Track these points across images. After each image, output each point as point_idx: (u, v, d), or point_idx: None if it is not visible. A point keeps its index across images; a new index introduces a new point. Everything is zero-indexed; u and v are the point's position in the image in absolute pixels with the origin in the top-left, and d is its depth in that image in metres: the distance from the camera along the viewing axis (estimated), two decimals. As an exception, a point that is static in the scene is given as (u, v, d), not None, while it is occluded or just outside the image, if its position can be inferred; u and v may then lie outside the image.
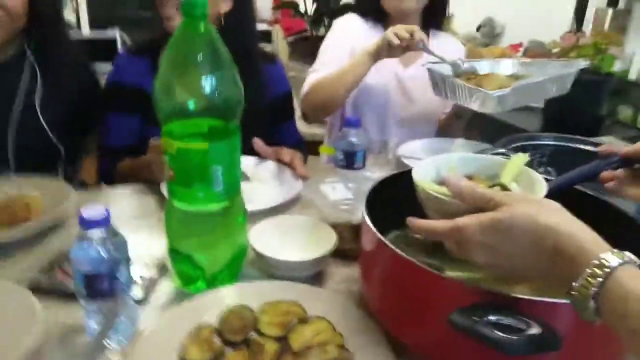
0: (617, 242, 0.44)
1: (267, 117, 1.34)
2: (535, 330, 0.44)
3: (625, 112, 2.11)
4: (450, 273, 0.63)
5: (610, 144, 0.67)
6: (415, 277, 0.55)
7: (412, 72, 1.46)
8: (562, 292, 0.43)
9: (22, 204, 0.88)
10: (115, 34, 2.86)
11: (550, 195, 0.56)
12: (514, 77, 1.20)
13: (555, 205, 0.48)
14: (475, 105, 1.09)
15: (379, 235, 0.60)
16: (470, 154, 0.73)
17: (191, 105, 0.66)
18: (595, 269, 0.41)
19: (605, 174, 0.64)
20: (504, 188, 0.60)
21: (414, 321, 0.57)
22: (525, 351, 0.43)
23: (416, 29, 1.20)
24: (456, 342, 0.52)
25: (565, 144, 1.08)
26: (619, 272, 0.40)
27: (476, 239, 0.47)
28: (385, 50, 1.22)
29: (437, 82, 1.22)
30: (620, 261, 0.40)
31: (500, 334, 0.44)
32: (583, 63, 1.23)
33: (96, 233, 0.59)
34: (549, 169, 1.06)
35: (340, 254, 0.82)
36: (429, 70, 1.24)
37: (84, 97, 1.23)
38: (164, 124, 0.69)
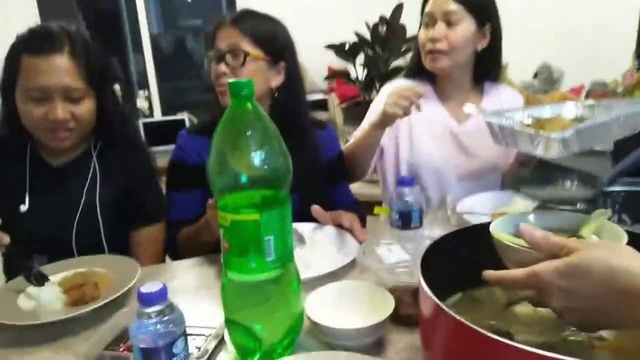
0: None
1: (322, 181, 1.36)
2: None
3: None
4: (519, 337, 0.59)
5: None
6: (480, 344, 0.51)
7: (467, 128, 1.44)
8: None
9: (92, 283, 0.93)
10: (184, 116, 3.12)
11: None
12: (578, 120, 1.15)
13: (628, 249, 0.50)
14: (538, 151, 1.05)
15: (435, 299, 0.57)
16: (551, 212, 0.74)
17: (243, 178, 0.69)
18: None
19: None
20: (582, 238, 0.63)
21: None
22: None
23: (415, 90, 1.21)
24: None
25: (638, 189, 1.00)
26: None
27: (553, 284, 0.50)
28: (391, 120, 1.24)
29: (496, 132, 1.19)
30: None
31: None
32: None
33: (154, 309, 0.61)
34: (623, 216, 0.98)
35: (400, 319, 0.79)
36: (487, 122, 1.21)
37: (140, 192, 1.27)
38: (218, 199, 0.71)
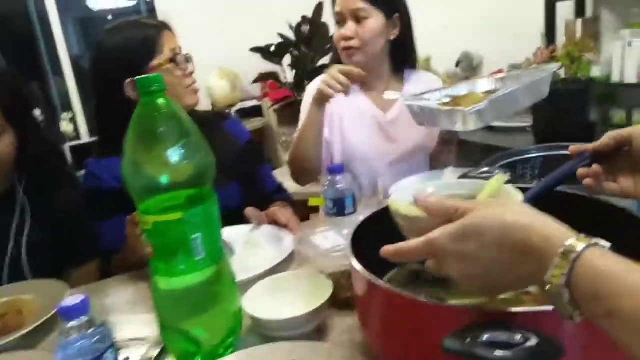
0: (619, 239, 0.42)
1: (241, 168, 1.36)
2: (532, 342, 0.41)
3: (618, 115, 2.10)
4: (453, 302, 0.60)
5: (580, 144, 0.65)
6: (406, 309, 0.52)
7: (392, 115, 1.48)
8: (540, 290, 0.42)
9: (14, 312, 0.87)
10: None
11: (531, 203, 0.54)
12: (492, 92, 1.21)
13: (519, 204, 0.48)
14: (457, 126, 1.09)
15: (366, 274, 0.58)
16: (449, 181, 0.72)
17: (162, 179, 0.66)
18: (563, 257, 0.40)
19: (581, 171, 0.63)
20: None
21: (417, 357, 0.54)
22: (526, 365, 0.40)
23: (353, 70, 1.24)
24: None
25: (554, 153, 1.07)
26: (587, 255, 0.39)
27: (448, 249, 0.47)
28: (325, 98, 1.27)
29: (417, 113, 1.22)
30: (586, 245, 0.40)
31: (498, 351, 0.41)
32: (555, 65, 1.23)
33: (76, 323, 0.57)
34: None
35: (340, 303, 0.79)
36: (407, 104, 1.25)
37: (73, 230, 1.19)
38: (139, 203, 0.68)
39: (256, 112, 4.02)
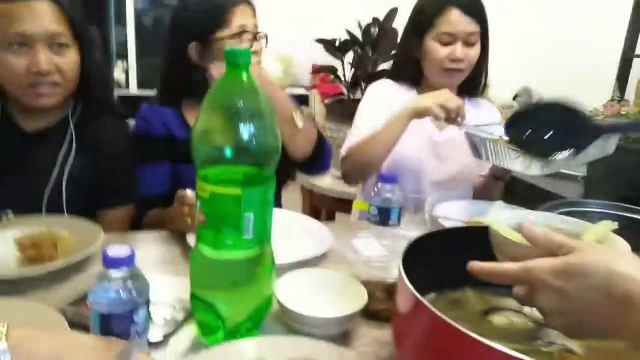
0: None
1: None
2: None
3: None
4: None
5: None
6: (457, 342, 0.50)
7: (447, 136, 1.46)
8: (634, 344, 0.43)
9: (50, 244, 0.88)
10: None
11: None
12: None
13: (631, 255, 0.48)
14: (519, 168, 1.06)
15: (417, 295, 0.56)
16: (555, 215, 0.72)
17: (227, 151, 0.65)
18: None
19: None
20: None
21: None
22: None
23: (462, 106, 1.21)
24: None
25: (614, 212, 1.02)
26: None
27: (546, 282, 0.47)
28: (423, 115, 1.24)
29: (477, 145, 1.19)
30: None
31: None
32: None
33: (118, 273, 0.57)
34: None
35: (371, 314, 0.77)
36: (467, 134, 1.21)
37: (116, 171, 1.19)
38: (200, 169, 0.68)
39: (303, 101, 4.03)
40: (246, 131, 0.64)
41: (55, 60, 1.03)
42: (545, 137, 0.98)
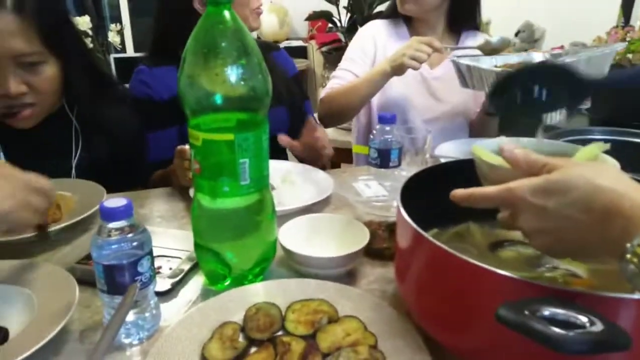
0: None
1: (288, 97, 1.37)
2: (597, 327, 0.38)
3: (681, 112, 1.97)
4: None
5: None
6: (459, 271, 0.50)
7: (439, 72, 1.44)
8: (614, 258, 0.41)
9: (53, 205, 0.88)
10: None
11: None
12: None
13: (614, 169, 0.45)
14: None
15: (416, 227, 0.55)
16: (542, 140, 0.69)
17: (217, 96, 0.64)
18: None
19: None
20: None
21: (456, 321, 0.52)
22: (587, 350, 0.37)
23: (434, 42, 1.22)
24: (504, 344, 0.46)
25: (618, 138, 1.00)
26: None
27: (527, 201, 0.45)
28: (401, 71, 1.24)
29: (463, 73, 1.17)
30: None
31: (558, 330, 0.38)
32: (620, 45, 1.16)
33: (116, 225, 0.57)
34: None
35: (374, 253, 0.77)
36: (454, 62, 1.20)
37: (126, 156, 1.13)
38: (191, 118, 0.67)
39: (301, 52, 3.94)
40: (233, 73, 0.62)
41: (28, 79, 0.93)
42: (535, 97, 0.96)
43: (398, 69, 1.24)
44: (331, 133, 2.34)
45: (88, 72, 1.06)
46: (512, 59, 1.26)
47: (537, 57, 1.28)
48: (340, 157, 2.20)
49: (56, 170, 1.00)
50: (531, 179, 0.46)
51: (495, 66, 1.20)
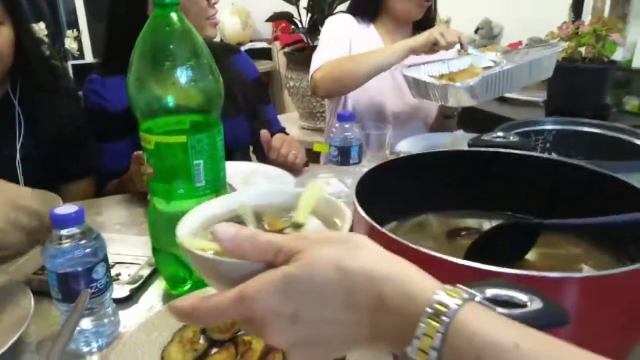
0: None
1: (248, 103, 1.36)
2: (537, 304, 0.40)
3: (631, 102, 2.06)
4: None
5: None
6: (410, 259, 0.51)
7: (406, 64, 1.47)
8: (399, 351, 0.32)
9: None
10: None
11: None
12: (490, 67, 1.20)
13: (361, 239, 0.36)
14: (451, 102, 1.09)
15: (370, 220, 0.56)
16: (263, 188, 0.59)
17: (167, 98, 0.63)
18: (431, 322, 0.30)
19: None
20: (299, 226, 0.45)
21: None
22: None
23: (462, 34, 1.26)
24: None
25: (568, 128, 1.04)
26: (461, 316, 0.30)
27: (269, 310, 0.34)
28: (427, 48, 1.26)
29: (412, 85, 1.22)
30: (459, 302, 0.31)
31: (499, 309, 0.40)
32: (562, 44, 1.22)
33: (68, 231, 0.56)
34: (553, 154, 1.01)
35: (335, 249, 0.78)
36: (404, 75, 1.24)
37: (71, 145, 1.13)
38: (142, 121, 0.66)
39: (265, 54, 3.93)
40: (183, 75, 0.62)
41: None
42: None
43: (425, 45, 1.25)
44: (299, 134, 2.35)
45: (39, 50, 1.10)
46: (463, 63, 1.31)
47: (488, 57, 1.33)
48: (309, 158, 2.22)
49: (0, 156, 1.02)
50: (268, 277, 0.34)
51: (443, 75, 1.25)
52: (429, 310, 0.31)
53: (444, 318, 0.30)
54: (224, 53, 1.36)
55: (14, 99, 1.08)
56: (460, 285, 0.33)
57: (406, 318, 0.31)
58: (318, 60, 1.40)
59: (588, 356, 0.29)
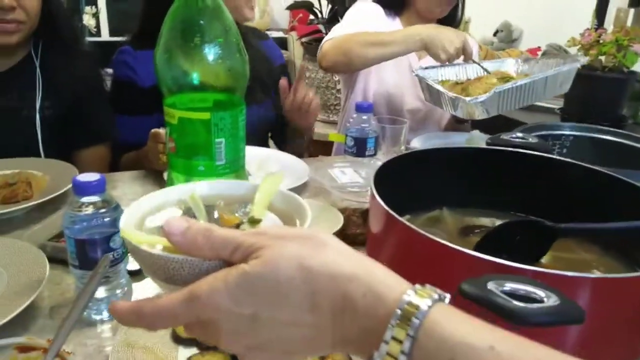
0: None
1: (275, 88, 1.34)
2: (554, 301, 0.40)
3: (648, 115, 2.04)
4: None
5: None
6: (427, 251, 0.51)
7: (425, 64, 1.45)
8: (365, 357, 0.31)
9: (24, 183, 0.87)
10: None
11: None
12: (508, 79, 1.17)
13: (324, 237, 0.33)
14: (460, 113, 1.08)
15: (388, 209, 0.57)
16: (221, 181, 0.56)
17: (194, 74, 0.64)
18: (401, 323, 0.29)
19: None
20: (256, 222, 0.41)
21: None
22: (545, 321, 0.39)
23: (468, 47, 1.23)
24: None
25: (586, 134, 1.04)
26: (432, 317, 0.29)
27: (226, 310, 0.31)
28: (432, 51, 1.22)
29: (425, 89, 1.21)
30: (430, 302, 0.29)
31: (518, 303, 0.40)
32: (582, 59, 1.20)
33: (89, 199, 0.57)
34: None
35: (347, 238, 0.78)
36: (417, 76, 1.22)
37: (85, 107, 1.15)
38: (167, 96, 0.66)
39: (281, 44, 3.92)
40: (211, 52, 0.62)
41: None
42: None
43: (432, 46, 1.20)
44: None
45: (63, 8, 1.15)
46: (486, 67, 1.29)
47: (508, 64, 1.31)
48: (319, 150, 2.21)
49: (20, 114, 1.06)
50: (224, 275, 0.31)
51: (458, 83, 1.24)
52: (398, 311, 0.29)
53: (414, 320, 0.28)
54: (253, 36, 1.37)
55: (36, 60, 1.10)
56: (429, 285, 0.31)
57: (374, 320, 0.30)
58: (334, 31, 1.37)
59: (566, 359, 0.29)
